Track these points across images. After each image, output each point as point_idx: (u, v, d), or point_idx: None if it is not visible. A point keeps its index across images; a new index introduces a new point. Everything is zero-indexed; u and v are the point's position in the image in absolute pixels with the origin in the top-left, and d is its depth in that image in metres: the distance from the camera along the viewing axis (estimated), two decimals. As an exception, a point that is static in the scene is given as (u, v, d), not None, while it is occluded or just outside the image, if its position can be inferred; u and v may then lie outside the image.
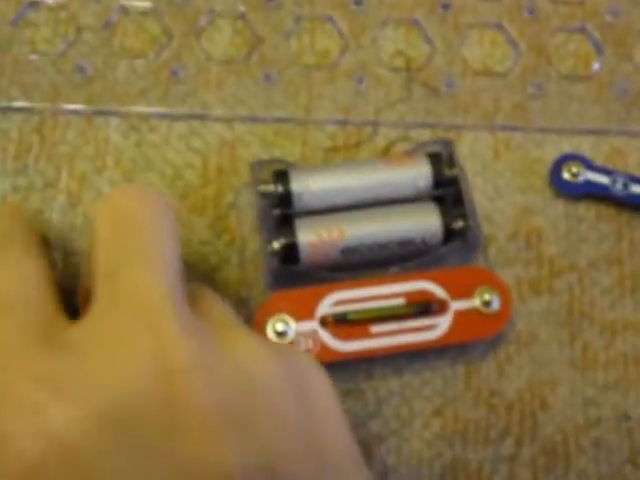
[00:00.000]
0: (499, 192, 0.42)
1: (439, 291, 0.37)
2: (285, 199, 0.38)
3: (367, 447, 0.37)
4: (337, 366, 0.37)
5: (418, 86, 0.42)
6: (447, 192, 0.39)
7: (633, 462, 0.38)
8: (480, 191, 0.42)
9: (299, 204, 0.38)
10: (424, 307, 0.37)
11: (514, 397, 0.38)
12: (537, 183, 0.42)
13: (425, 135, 0.41)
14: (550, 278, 0.40)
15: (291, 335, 0.36)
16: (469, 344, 0.38)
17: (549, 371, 0.39)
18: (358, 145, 0.41)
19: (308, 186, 0.38)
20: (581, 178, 0.41)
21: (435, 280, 0.37)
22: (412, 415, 0.38)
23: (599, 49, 0.44)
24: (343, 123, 0.41)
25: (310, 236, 0.37)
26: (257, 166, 0.38)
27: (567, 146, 0.42)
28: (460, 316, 0.37)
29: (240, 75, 0.41)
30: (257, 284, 0.38)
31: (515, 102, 0.42)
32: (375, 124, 0.41)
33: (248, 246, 0.38)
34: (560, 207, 0.42)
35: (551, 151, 0.42)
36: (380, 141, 0.41)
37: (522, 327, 0.39)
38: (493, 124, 0.42)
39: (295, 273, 0.37)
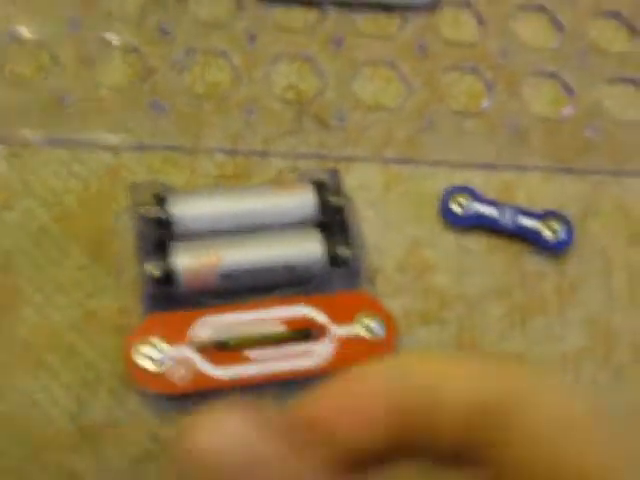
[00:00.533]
0: (389, 223, 0.42)
1: (320, 316, 0.36)
2: (164, 223, 0.37)
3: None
4: (212, 395, 0.35)
5: (309, 119, 0.42)
6: (333, 220, 0.39)
7: None
8: (370, 222, 0.41)
9: (179, 228, 0.37)
10: (304, 333, 0.36)
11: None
12: (428, 215, 0.42)
13: (315, 166, 0.41)
14: (440, 309, 0.40)
15: (162, 360, 0.34)
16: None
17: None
18: (247, 174, 0.41)
19: (188, 210, 0.37)
20: (469, 210, 0.41)
21: (316, 305, 0.36)
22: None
23: (490, 87, 0.45)
24: (232, 152, 0.41)
25: (188, 260, 0.36)
26: (135, 189, 0.38)
27: (459, 179, 0.43)
28: (343, 343, 0.36)
29: (129, 104, 0.41)
30: (135, 310, 0.36)
31: (407, 135, 0.43)
32: (264, 154, 0.41)
33: (126, 271, 0.37)
34: (451, 239, 0.41)
35: (442, 184, 0.42)
36: (269, 171, 0.41)
37: (408, 356, 0.38)
38: (384, 156, 0.42)
39: (174, 298, 0.36)
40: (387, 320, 0.37)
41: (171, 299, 0.36)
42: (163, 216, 0.36)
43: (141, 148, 0.40)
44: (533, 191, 0.43)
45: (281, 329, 0.36)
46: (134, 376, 0.34)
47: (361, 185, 0.41)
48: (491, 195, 0.42)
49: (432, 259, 0.41)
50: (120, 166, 0.39)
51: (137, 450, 0.36)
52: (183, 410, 0.36)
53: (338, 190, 0.39)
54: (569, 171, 0.43)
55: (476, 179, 0.43)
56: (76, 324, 0.36)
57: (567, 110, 0.44)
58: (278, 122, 0.42)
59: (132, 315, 0.36)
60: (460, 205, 0.41)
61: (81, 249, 0.37)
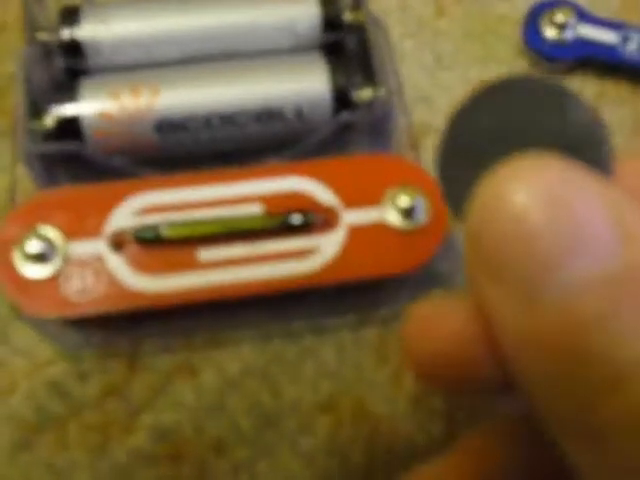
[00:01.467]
0: (443, 62, 0.26)
1: (324, 194, 0.21)
2: (72, 49, 0.22)
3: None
4: (141, 320, 0.21)
5: None
6: (348, 47, 0.24)
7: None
8: (413, 60, 0.26)
9: (95, 59, 0.23)
10: (296, 219, 0.21)
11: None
12: (502, 50, 0.27)
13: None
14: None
15: (55, 261, 0.20)
16: (378, 286, 0.23)
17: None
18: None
19: (110, 29, 0.23)
20: (571, 34, 0.26)
21: (318, 176, 0.22)
22: (281, 412, 0.22)
23: None
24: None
25: (103, 102, 0.22)
26: (34, 3, 0.23)
27: (550, -3, 0.27)
28: (359, 235, 0.21)
29: None
30: (25, 183, 0.22)
31: None
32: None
33: (21, 128, 0.23)
34: (540, 84, 0.26)
35: (522, 5, 0.27)
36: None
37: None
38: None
39: (82, 166, 0.22)
40: (434, 200, 0.21)
41: (78, 168, 0.22)
42: (70, 40, 0.22)
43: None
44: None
45: (255, 211, 0.21)
46: (13, 291, 0.20)
47: (401, 6, 0.26)
48: (605, 13, 0.26)
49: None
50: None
51: (21, 412, 0.22)
52: (93, 345, 0.22)
53: (358, 3, 0.24)
54: None
55: (579, -5, 0.27)
56: None
57: None
58: None
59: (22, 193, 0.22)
60: (557, 26, 0.25)
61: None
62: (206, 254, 0.21)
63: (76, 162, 0.22)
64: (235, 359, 0.22)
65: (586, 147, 0.11)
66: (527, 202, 0.10)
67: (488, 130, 0.11)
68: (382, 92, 0.23)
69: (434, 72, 0.26)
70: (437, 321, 0.13)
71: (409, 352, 0.13)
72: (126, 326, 0.22)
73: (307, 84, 0.23)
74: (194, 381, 0.22)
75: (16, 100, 0.22)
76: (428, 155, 0.24)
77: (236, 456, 0.22)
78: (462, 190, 0.11)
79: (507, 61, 0.26)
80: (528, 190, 0.10)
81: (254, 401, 0.22)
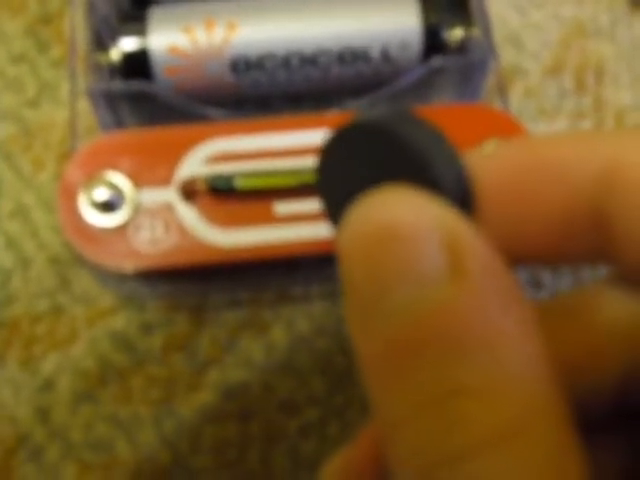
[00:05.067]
0: (535, -2, 0.24)
1: (409, 145, 0.20)
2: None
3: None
4: (208, 272, 0.20)
5: None
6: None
7: None
8: (502, -5, 0.24)
9: (164, -16, 0.21)
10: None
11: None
12: (602, -15, 0.24)
13: None
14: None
15: (123, 210, 0.19)
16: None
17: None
18: None
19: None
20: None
21: (403, 125, 0.20)
22: (352, 373, 0.21)
23: None
24: None
25: (174, 36, 0.20)
26: None
27: None
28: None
29: None
30: (90, 128, 0.21)
31: None
32: None
33: (83, 62, 0.21)
34: (641, 26, 0.24)
35: None
36: None
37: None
38: None
39: (148, 104, 0.20)
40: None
41: (145, 108, 0.20)
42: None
43: None
44: None
45: (337, 165, 0.19)
46: (78, 240, 0.19)
47: None
48: None
49: (606, 59, 0.23)
50: None
51: (88, 359, 0.21)
52: (158, 296, 0.21)
53: None
54: None
55: None
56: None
57: None
58: None
59: (84, 136, 0.21)
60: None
61: (20, 30, 0.22)
62: (281, 207, 0.20)
63: (144, 101, 0.20)
64: (306, 316, 0.21)
65: (432, 171, 0.11)
66: (366, 229, 0.11)
67: (348, 165, 0.12)
68: (475, 33, 0.21)
69: (525, 11, 0.24)
70: None
71: None
72: (193, 278, 0.21)
73: (396, 21, 0.20)
74: (263, 338, 0.21)
75: (72, 24, 0.21)
76: (517, 101, 0.22)
77: (306, 416, 0.21)
78: (337, 206, 0.12)
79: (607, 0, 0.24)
80: (368, 217, 0.11)
81: (325, 360, 0.21)
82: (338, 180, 0.12)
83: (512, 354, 0.10)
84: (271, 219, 0.19)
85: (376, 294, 0.10)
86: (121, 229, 0.19)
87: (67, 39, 0.22)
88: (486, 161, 0.12)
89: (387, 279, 0.10)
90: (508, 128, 0.20)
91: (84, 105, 0.21)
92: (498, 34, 0.23)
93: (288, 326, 0.21)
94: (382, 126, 0.11)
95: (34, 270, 0.21)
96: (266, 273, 0.21)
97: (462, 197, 0.11)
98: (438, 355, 0.10)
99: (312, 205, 0.19)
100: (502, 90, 0.22)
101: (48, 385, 0.21)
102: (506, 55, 0.23)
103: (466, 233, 0.10)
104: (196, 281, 0.21)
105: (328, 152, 0.12)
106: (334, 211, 0.13)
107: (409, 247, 0.10)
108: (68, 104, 0.21)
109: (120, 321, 0.21)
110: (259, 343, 0.21)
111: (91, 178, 0.19)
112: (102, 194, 0.19)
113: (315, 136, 0.20)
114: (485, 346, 0.10)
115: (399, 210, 0.11)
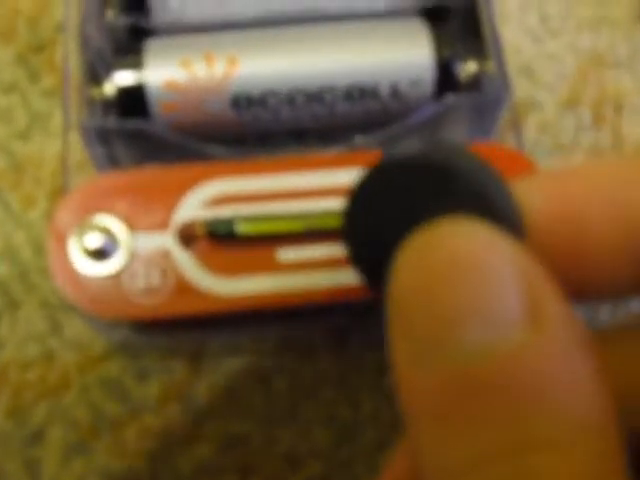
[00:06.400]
0: (549, 25, 0.23)
1: (420, 187, 0.18)
2: (135, 1, 0.19)
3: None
4: (207, 320, 0.19)
5: None
6: (451, 10, 0.21)
7: None
8: (514, 22, 0.23)
9: (162, 12, 0.19)
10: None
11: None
12: (621, 11, 0.23)
13: None
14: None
15: (117, 257, 0.18)
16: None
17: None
18: None
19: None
20: None
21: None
22: (358, 425, 0.20)
23: None
24: None
25: (172, 70, 0.19)
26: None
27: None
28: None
29: None
30: (83, 163, 0.20)
31: None
32: None
33: (76, 94, 0.20)
34: (662, 55, 0.23)
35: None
36: None
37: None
38: None
39: (145, 141, 0.19)
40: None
41: (140, 146, 0.19)
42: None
43: None
44: None
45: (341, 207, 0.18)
46: (69, 289, 0.18)
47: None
48: None
49: (626, 91, 0.22)
50: None
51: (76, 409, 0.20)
52: (154, 345, 0.20)
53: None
54: None
55: None
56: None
57: None
58: None
59: (77, 174, 0.20)
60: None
61: (11, 58, 0.20)
62: (286, 254, 0.18)
63: (139, 138, 0.19)
64: (309, 364, 0.20)
65: (489, 208, 0.10)
66: (430, 260, 0.10)
67: (384, 204, 0.11)
68: (490, 67, 0.20)
69: (540, 39, 0.23)
70: None
71: None
72: (190, 326, 0.20)
73: (406, 56, 0.19)
74: (264, 387, 0.20)
75: (65, 54, 0.20)
76: (532, 135, 0.21)
77: (309, 471, 0.20)
78: (370, 248, 0.11)
79: (626, 26, 0.23)
80: (432, 247, 0.10)
81: (330, 412, 0.20)
82: (372, 221, 0.12)
83: (590, 405, 0.09)
84: (274, 266, 0.18)
85: (442, 329, 0.09)
86: (115, 277, 0.18)
87: (59, 69, 0.21)
88: (533, 189, 0.11)
89: (456, 314, 0.09)
90: (521, 167, 0.19)
91: (76, 138, 0.19)
92: (511, 64, 0.22)
93: (290, 374, 0.20)
94: (431, 160, 0.11)
95: (23, 313, 0.20)
96: (266, 320, 0.20)
97: (518, 229, 0.11)
98: (510, 402, 0.09)
99: (318, 251, 0.18)
100: (516, 125, 0.21)
101: (38, 436, 0.20)
102: (520, 87, 0.22)
103: (541, 272, 0.10)
104: (193, 328, 0.20)
105: (360, 192, 0.11)
106: (365, 255, 0.12)
107: (482, 282, 0.09)
108: (60, 137, 0.20)
109: (114, 368, 0.20)
110: (260, 392, 0.20)
111: (83, 223, 0.18)
112: (94, 240, 0.18)
113: (323, 177, 0.19)
114: (563, 396, 0.09)
115: (467, 241, 0.10)
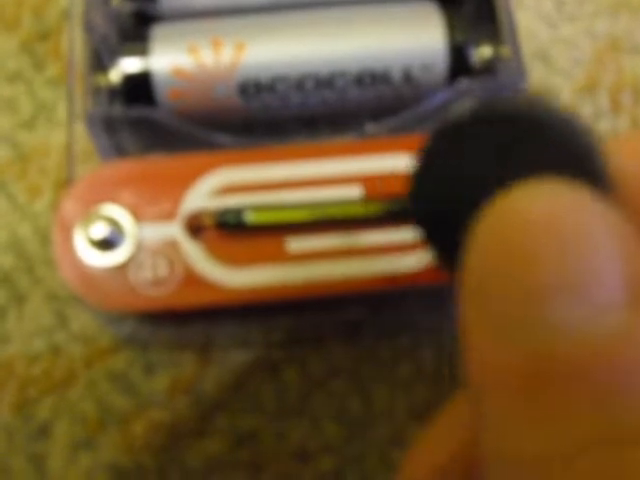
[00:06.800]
0: (565, 10, 0.22)
1: (433, 175, 0.18)
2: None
3: None
4: (216, 311, 0.18)
5: None
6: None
7: None
8: (529, 6, 0.22)
9: (166, 2, 0.19)
10: (402, 206, 0.18)
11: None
12: (639, -3, 0.23)
13: None
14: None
15: (124, 247, 0.17)
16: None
17: None
18: None
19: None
20: None
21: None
22: (371, 419, 0.19)
23: None
24: None
25: (179, 56, 0.18)
26: None
27: None
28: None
29: None
30: (88, 152, 0.19)
31: None
32: None
33: (81, 82, 0.19)
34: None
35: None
36: None
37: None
38: None
39: (150, 130, 0.19)
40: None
41: (147, 134, 0.18)
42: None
43: None
44: None
45: (354, 195, 0.18)
46: (75, 280, 0.18)
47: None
48: None
49: (645, 77, 0.21)
50: None
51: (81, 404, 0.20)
52: (161, 338, 0.20)
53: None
54: None
55: None
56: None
57: None
58: None
59: (81, 164, 0.19)
60: None
61: (15, 46, 0.20)
62: (296, 244, 0.18)
63: (146, 127, 0.19)
64: (319, 356, 0.20)
65: (579, 164, 0.09)
66: (523, 223, 0.09)
67: (462, 166, 0.10)
68: (505, 51, 0.19)
69: (555, 23, 0.22)
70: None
71: None
72: (199, 318, 0.19)
73: (419, 40, 0.19)
74: (273, 380, 0.20)
75: (70, 41, 0.19)
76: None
77: (320, 466, 0.19)
78: (446, 216, 0.10)
79: (643, 11, 0.22)
80: (524, 209, 0.09)
81: (341, 405, 0.20)
82: (445, 185, 0.10)
83: None
84: (284, 257, 0.18)
85: (528, 303, 0.08)
86: (121, 268, 0.18)
87: (65, 57, 0.21)
88: (628, 150, 0.10)
89: (546, 288, 0.08)
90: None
91: (82, 127, 0.19)
92: (526, 49, 0.22)
93: (300, 367, 0.20)
94: (519, 112, 0.10)
95: (29, 307, 0.20)
96: (276, 311, 0.19)
97: (614, 195, 0.10)
98: (605, 387, 0.08)
99: (329, 241, 0.18)
100: (532, 112, 0.20)
101: (44, 431, 0.19)
102: (535, 72, 0.22)
103: None
104: (202, 321, 0.19)
105: (433, 152, 0.10)
106: (438, 222, 0.11)
107: (578, 253, 0.08)
108: (65, 127, 0.19)
109: (121, 361, 0.20)
110: (269, 385, 0.20)
111: (88, 213, 0.18)
112: (100, 231, 0.17)
113: (333, 165, 0.18)
114: None
115: (565, 205, 0.09)
